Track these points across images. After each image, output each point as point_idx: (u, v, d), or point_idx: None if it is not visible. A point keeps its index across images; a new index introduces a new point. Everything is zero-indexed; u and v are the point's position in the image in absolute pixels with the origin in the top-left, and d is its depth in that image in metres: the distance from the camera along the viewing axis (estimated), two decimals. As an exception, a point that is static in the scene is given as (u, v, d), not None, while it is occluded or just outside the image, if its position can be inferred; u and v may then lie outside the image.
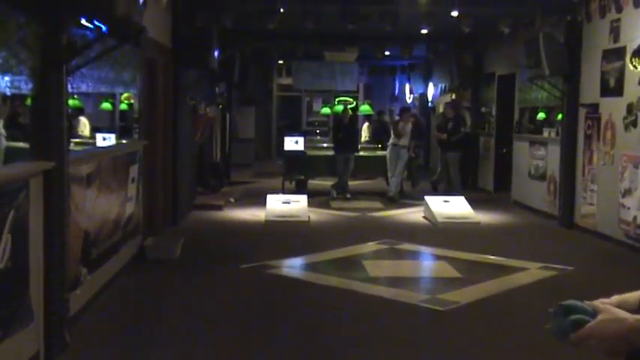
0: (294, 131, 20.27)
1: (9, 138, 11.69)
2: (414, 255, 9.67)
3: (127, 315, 6.53)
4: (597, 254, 9.49)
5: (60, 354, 5.23)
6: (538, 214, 12.43)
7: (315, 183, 15.80)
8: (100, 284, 6.77)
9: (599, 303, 1.68)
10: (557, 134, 12.05)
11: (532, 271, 8.37)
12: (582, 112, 11.01)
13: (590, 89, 10.75)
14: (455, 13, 11.83)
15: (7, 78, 4.57)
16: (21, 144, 10.72)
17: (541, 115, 14.09)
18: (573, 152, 11.22)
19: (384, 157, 14.87)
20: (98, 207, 6.68)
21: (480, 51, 16.26)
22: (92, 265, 6.45)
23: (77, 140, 10.68)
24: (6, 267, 4.34)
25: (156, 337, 5.84)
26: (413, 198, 14.08)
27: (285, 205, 12.07)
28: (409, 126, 14.58)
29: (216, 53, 11.36)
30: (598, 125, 10.44)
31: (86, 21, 5.63)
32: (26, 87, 4.92)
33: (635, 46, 9.23)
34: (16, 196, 4.54)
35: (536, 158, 12.82)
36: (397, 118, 15.47)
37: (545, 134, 12.75)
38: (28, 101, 7.92)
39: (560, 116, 12.30)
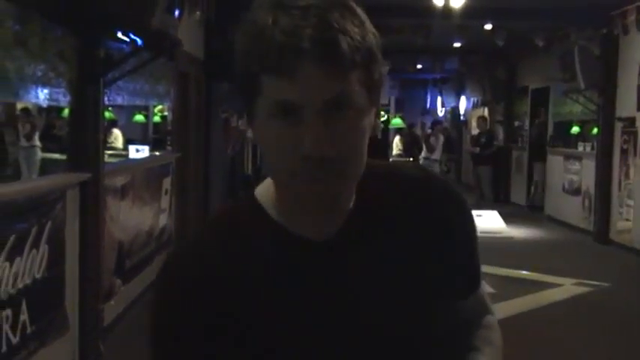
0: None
1: (44, 149, 11.87)
2: (447, 269, 9.58)
3: (160, 326, 6.54)
4: (634, 270, 9.34)
5: (94, 364, 5.27)
6: (572, 230, 12.28)
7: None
8: (133, 295, 6.80)
9: None
10: (592, 148, 11.92)
11: (567, 287, 8.26)
12: (618, 126, 10.88)
13: (626, 103, 10.62)
14: (488, 27, 11.79)
15: (45, 90, 4.62)
16: (56, 155, 10.90)
17: (575, 129, 13.96)
18: (609, 167, 11.09)
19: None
20: (132, 218, 6.72)
21: (513, 64, 16.16)
22: (126, 276, 6.48)
23: (110, 152, 10.79)
24: (43, 277, 4.37)
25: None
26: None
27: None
28: (441, 139, 14.53)
29: (248, 66, 11.39)
30: (634, 139, 10.30)
31: (122, 34, 5.68)
32: (64, 99, 4.96)
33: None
34: (53, 207, 4.58)
35: (570, 173, 12.68)
36: (429, 131, 15.39)
37: (580, 148, 12.61)
38: (63, 113, 8.01)
39: (595, 130, 12.17)
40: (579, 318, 7.16)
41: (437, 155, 14.38)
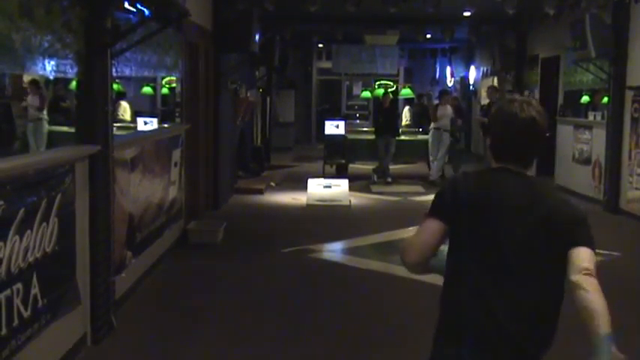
0: (333, 115, 20.21)
1: (51, 122, 11.84)
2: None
3: (172, 298, 6.57)
4: (644, 240, 9.32)
5: (106, 336, 5.28)
6: (582, 199, 12.21)
7: (355, 167, 15.75)
8: (144, 268, 6.81)
9: None
10: (603, 117, 11.83)
11: (578, 257, 8.23)
12: (629, 95, 10.79)
13: (637, 71, 10.52)
14: (499, -5, 11.64)
15: (52, 62, 4.58)
16: (63, 128, 10.87)
17: (585, 99, 13.85)
18: (619, 136, 11.01)
19: (425, 141, 14.76)
20: (142, 191, 6.71)
21: (524, 33, 15.98)
22: (137, 249, 6.49)
23: (118, 124, 10.77)
24: (53, 251, 4.37)
25: (200, 320, 5.86)
26: (454, 182, 13.94)
27: (327, 189, 12.05)
28: (449, 109, 14.43)
29: (256, 37, 11.32)
30: (646, 108, 10.22)
31: (129, 4, 5.64)
32: (72, 71, 4.92)
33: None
34: (62, 180, 4.56)
35: (580, 142, 12.60)
36: (437, 102, 15.29)
37: (591, 118, 12.52)
38: (71, 85, 7.97)
39: (605, 99, 12.07)
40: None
41: (446, 125, 14.26)
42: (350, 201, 11.83)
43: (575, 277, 2.40)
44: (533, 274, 2.46)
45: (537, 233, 2.46)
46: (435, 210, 2.58)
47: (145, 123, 11.19)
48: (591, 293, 2.36)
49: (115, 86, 9.33)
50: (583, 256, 2.46)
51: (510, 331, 2.42)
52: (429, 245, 2.55)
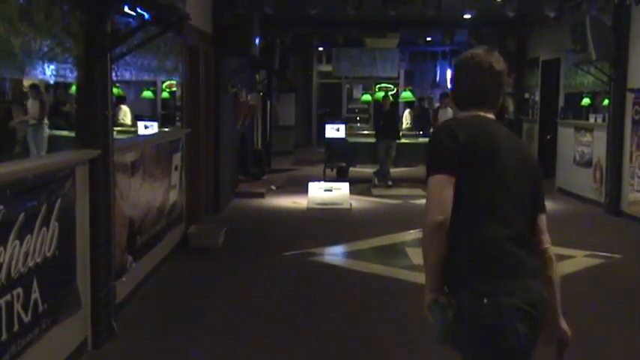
0: (334, 118, 20.21)
1: (52, 126, 11.83)
2: (458, 243, 9.53)
3: (173, 302, 6.55)
4: (646, 242, 9.30)
5: (107, 341, 5.27)
6: (583, 202, 12.22)
7: (356, 170, 15.73)
8: (145, 272, 6.80)
9: None
10: (604, 120, 11.82)
11: (578, 259, 8.23)
12: (630, 98, 10.78)
13: (638, 74, 10.51)
14: (499, -3, 11.65)
15: (52, 66, 4.57)
16: (64, 132, 10.84)
17: (585, 101, 13.84)
18: (620, 138, 11.00)
19: (425, 144, 14.73)
20: (142, 195, 6.69)
21: (524, 36, 15.99)
22: (137, 253, 6.48)
23: (119, 129, 10.76)
24: (53, 255, 4.36)
25: (201, 324, 5.85)
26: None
27: (327, 192, 12.04)
28: (449, 112, 14.43)
29: (256, 40, 11.32)
30: (647, 110, 10.21)
31: (129, 8, 5.63)
32: (72, 75, 4.91)
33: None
34: (62, 184, 4.55)
35: (581, 145, 12.59)
36: (437, 105, 15.29)
37: (591, 120, 12.51)
38: (71, 90, 7.95)
39: (606, 102, 12.05)
40: (591, 289, 7.12)
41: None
42: (351, 204, 11.81)
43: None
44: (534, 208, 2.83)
45: (535, 173, 2.87)
46: (444, 164, 2.66)
47: (146, 127, 11.16)
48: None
49: (115, 90, 9.32)
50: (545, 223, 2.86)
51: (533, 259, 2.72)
52: (452, 199, 2.63)
